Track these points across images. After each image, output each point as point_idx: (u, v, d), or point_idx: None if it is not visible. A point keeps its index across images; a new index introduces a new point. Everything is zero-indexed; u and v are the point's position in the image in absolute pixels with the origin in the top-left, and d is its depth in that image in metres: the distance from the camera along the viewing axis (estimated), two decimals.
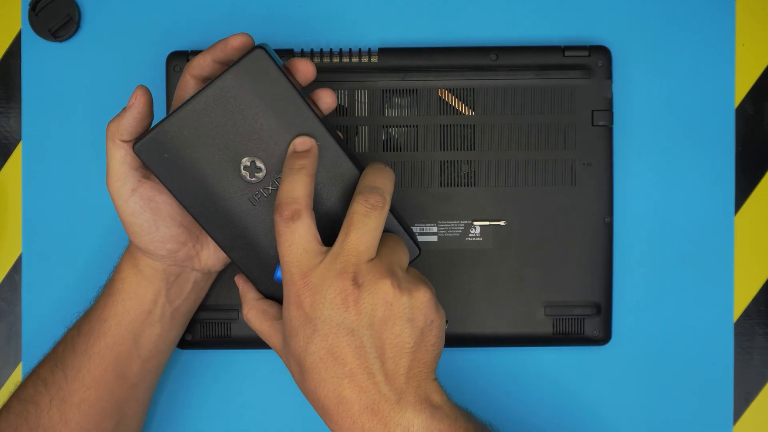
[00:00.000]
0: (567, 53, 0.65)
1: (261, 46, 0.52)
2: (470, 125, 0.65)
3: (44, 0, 0.66)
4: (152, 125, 0.56)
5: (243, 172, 0.54)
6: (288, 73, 0.54)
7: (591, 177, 0.65)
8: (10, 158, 0.68)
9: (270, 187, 0.54)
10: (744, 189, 0.68)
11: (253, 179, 0.54)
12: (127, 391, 0.60)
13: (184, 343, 0.65)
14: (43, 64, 0.67)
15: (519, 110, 0.65)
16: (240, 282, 0.59)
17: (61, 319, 0.66)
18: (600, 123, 0.65)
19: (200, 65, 0.56)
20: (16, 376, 0.67)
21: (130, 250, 0.60)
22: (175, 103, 0.58)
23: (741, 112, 0.68)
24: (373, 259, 0.51)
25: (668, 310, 0.67)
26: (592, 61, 0.65)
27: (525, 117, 0.65)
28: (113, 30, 0.67)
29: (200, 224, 0.55)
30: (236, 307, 0.65)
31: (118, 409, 0.60)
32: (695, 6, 0.64)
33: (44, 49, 0.67)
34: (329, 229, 0.54)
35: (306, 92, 0.55)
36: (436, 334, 0.52)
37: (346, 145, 0.56)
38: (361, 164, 0.55)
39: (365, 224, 0.51)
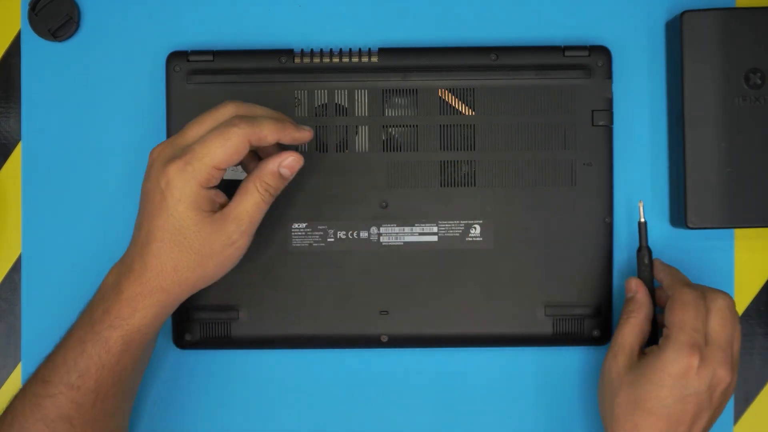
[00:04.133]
0: (567, 53, 0.65)
1: None
2: (470, 125, 0.65)
3: (44, 0, 0.66)
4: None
5: None
6: None
7: (591, 177, 0.65)
8: (10, 158, 0.68)
9: None
10: None
11: None
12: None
13: (184, 343, 0.65)
14: (43, 64, 0.67)
15: (519, 110, 0.65)
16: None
17: (61, 319, 0.66)
18: (600, 123, 0.65)
19: (261, 141, 0.56)
20: (16, 376, 0.67)
21: (161, 300, 0.57)
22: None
23: None
24: None
25: None
26: (592, 61, 0.65)
27: (525, 117, 0.65)
28: (113, 30, 0.67)
29: None
30: (236, 307, 0.65)
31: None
32: (695, 6, 0.64)
33: (44, 49, 0.67)
34: None
35: None
36: None
37: None
38: None
39: None
